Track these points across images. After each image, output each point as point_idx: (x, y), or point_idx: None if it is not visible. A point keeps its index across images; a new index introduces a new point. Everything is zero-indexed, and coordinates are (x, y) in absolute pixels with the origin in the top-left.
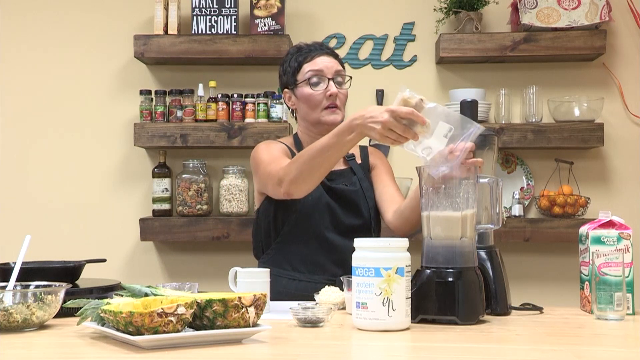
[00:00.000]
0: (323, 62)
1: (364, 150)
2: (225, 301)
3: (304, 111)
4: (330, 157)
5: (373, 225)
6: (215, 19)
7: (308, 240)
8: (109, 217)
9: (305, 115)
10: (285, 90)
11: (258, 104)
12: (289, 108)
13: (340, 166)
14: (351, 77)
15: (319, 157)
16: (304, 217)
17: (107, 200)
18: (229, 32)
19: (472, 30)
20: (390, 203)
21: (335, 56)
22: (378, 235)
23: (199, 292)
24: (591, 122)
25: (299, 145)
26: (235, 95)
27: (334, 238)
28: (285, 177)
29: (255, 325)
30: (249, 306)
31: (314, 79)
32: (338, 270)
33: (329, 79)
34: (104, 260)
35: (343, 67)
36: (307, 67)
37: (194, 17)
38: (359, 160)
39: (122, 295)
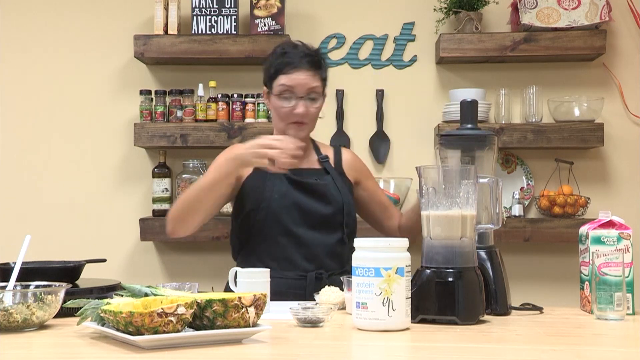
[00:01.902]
0: (297, 79)
1: (337, 152)
2: (225, 301)
3: (274, 117)
4: (215, 190)
5: (346, 221)
6: (215, 19)
7: (277, 237)
8: (109, 217)
9: (274, 122)
10: (265, 88)
11: (258, 104)
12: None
13: (315, 165)
14: (325, 96)
15: (201, 194)
16: (272, 214)
17: (107, 200)
18: (229, 32)
19: (472, 30)
20: (388, 214)
21: (317, 68)
22: (350, 232)
23: (199, 292)
24: (591, 122)
25: None
26: (235, 95)
27: (303, 233)
28: (168, 216)
29: (255, 325)
30: (249, 306)
31: (285, 94)
32: (309, 265)
33: (299, 97)
34: (104, 260)
35: (323, 79)
36: (282, 80)
37: (194, 17)
38: (332, 163)
39: (122, 295)
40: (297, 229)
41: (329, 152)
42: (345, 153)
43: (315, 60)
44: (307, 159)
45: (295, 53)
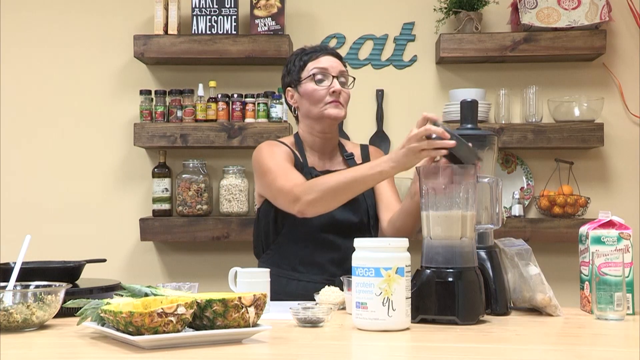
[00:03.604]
0: (328, 61)
1: (364, 149)
2: (225, 301)
3: (306, 108)
4: (363, 187)
5: (372, 224)
6: (215, 19)
7: (306, 240)
8: (109, 217)
9: (307, 112)
10: (288, 88)
11: (258, 104)
12: (290, 107)
13: (340, 166)
14: (354, 78)
15: (350, 187)
16: (303, 219)
17: (107, 200)
18: (229, 32)
19: (472, 30)
20: (386, 210)
21: (340, 58)
22: (377, 234)
23: (198, 292)
24: (591, 122)
25: (300, 144)
26: (235, 95)
27: (331, 238)
28: (302, 197)
29: (255, 325)
30: (249, 306)
31: (319, 76)
32: (337, 270)
33: (333, 77)
34: (104, 260)
35: (346, 69)
36: (312, 65)
37: (194, 17)
38: (358, 160)
39: (122, 295)
40: (326, 234)
41: (355, 150)
42: (371, 150)
43: (336, 52)
44: (334, 159)
45: (315, 46)
